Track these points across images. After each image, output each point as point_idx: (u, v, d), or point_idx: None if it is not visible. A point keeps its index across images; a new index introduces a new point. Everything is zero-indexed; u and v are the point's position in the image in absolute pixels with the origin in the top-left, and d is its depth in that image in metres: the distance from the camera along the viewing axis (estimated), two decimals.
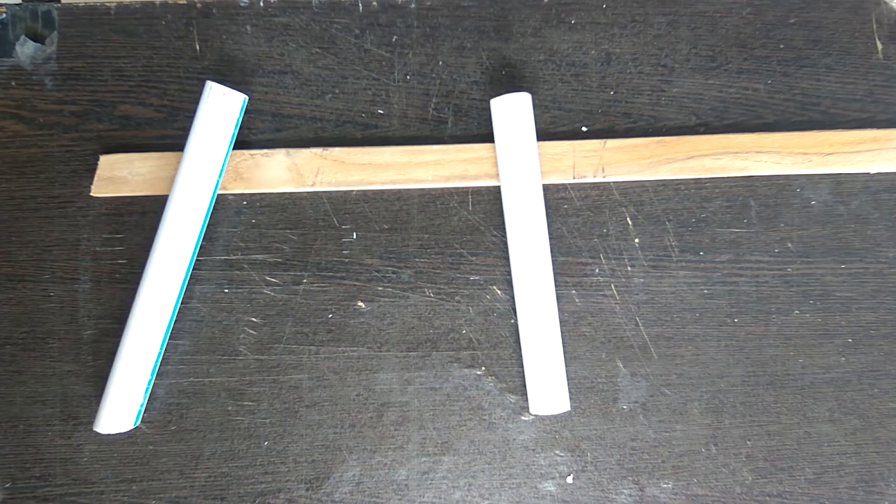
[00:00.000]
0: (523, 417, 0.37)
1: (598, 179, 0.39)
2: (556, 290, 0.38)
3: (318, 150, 0.39)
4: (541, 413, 0.35)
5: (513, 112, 0.37)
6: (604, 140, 0.40)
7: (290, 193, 0.40)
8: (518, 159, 0.37)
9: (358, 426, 0.37)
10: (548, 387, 0.35)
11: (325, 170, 0.39)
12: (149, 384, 0.36)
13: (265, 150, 0.39)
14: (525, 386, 0.37)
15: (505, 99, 0.38)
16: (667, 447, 0.37)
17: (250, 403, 0.37)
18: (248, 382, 0.37)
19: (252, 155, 0.39)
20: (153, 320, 0.35)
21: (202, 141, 0.37)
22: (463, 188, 0.40)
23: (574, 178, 0.39)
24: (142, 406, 0.36)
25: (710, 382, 0.38)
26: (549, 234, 0.38)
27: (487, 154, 0.39)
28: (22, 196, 0.39)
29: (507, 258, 0.39)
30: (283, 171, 0.39)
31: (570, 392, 0.37)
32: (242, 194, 0.39)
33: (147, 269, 0.36)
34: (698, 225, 0.39)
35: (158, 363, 0.36)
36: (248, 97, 0.38)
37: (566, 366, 0.38)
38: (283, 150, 0.39)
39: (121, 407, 0.35)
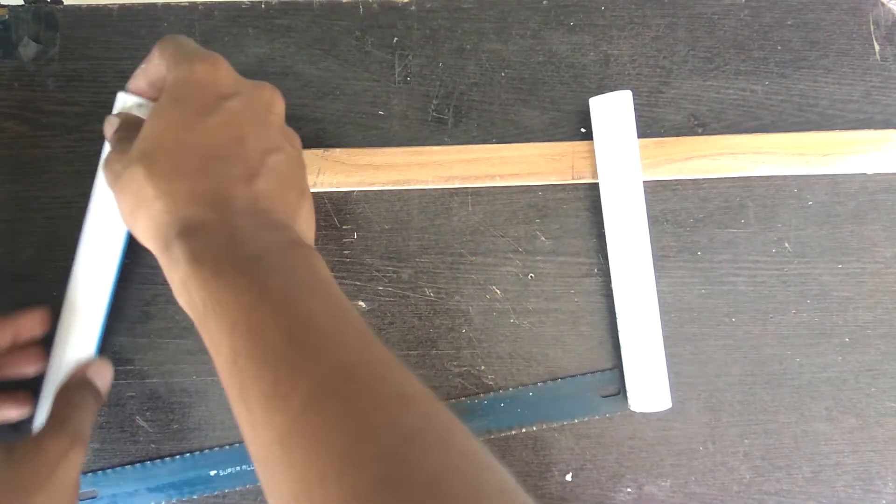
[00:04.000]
0: None
1: (598, 180, 0.39)
2: (556, 290, 0.38)
3: (319, 151, 0.40)
4: (641, 410, 0.36)
5: (613, 110, 0.38)
6: None
7: None
8: (618, 157, 0.37)
9: None
10: (650, 384, 0.36)
11: (326, 170, 0.39)
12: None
13: None
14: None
15: (605, 98, 0.38)
16: (665, 445, 0.37)
17: None
18: None
19: None
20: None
21: None
22: (463, 189, 0.40)
23: (573, 178, 0.39)
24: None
25: (707, 381, 0.38)
26: (548, 234, 0.38)
27: (486, 155, 0.39)
28: (25, 196, 0.40)
29: (507, 258, 0.39)
30: None
31: None
32: None
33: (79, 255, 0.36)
34: (696, 225, 0.40)
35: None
36: None
37: (566, 364, 0.38)
38: None
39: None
